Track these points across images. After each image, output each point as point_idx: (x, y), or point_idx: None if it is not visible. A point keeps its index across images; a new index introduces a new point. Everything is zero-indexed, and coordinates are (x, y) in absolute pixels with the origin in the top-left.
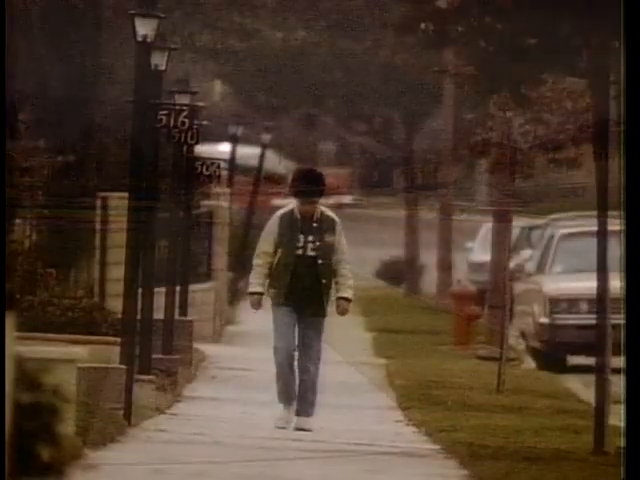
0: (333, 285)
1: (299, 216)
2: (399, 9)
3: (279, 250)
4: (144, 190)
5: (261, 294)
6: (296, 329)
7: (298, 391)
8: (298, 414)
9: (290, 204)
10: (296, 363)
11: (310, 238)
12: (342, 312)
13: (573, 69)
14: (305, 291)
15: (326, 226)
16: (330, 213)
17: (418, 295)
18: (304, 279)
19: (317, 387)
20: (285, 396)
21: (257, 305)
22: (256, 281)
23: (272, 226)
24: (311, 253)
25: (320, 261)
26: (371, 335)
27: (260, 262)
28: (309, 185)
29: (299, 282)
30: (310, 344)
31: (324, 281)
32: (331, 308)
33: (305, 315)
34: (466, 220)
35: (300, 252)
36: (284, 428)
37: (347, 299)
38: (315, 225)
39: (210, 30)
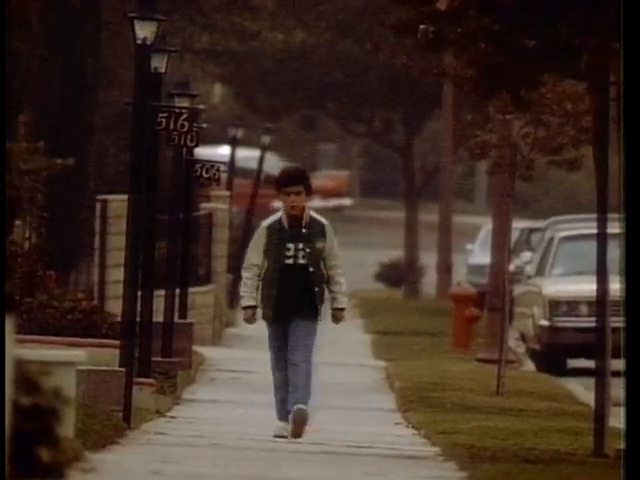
0: (327, 293)
1: (286, 224)
2: (398, 11)
3: (267, 261)
4: (143, 193)
5: (255, 307)
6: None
7: (291, 388)
8: (294, 403)
9: (277, 213)
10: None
11: (300, 246)
12: (338, 321)
13: (573, 71)
14: (297, 301)
15: (316, 231)
16: (318, 217)
17: (418, 297)
18: (296, 289)
19: (310, 383)
20: (284, 413)
21: (252, 319)
22: (248, 295)
23: (260, 237)
24: (302, 261)
25: (312, 269)
26: (370, 337)
27: (250, 275)
28: (291, 176)
29: (291, 292)
30: (300, 344)
31: (317, 289)
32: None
33: (295, 320)
34: (466, 222)
35: (291, 262)
36: (284, 437)
37: (342, 309)
38: (304, 231)
39: (210, 32)
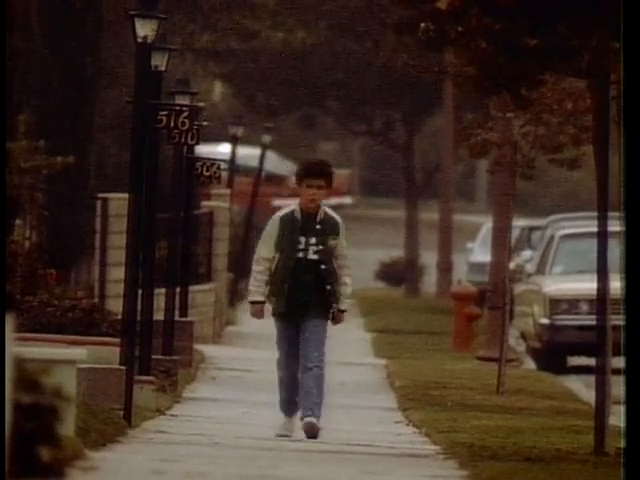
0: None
1: (300, 217)
2: (399, 10)
3: (279, 254)
4: (144, 191)
5: (263, 302)
6: (298, 338)
7: (303, 393)
8: (304, 416)
9: (291, 205)
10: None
11: (312, 241)
12: (337, 323)
13: (573, 69)
14: (307, 297)
15: (329, 228)
16: (333, 214)
17: (418, 296)
18: (306, 284)
19: (323, 388)
20: (288, 406)
21: (259, 314)
22: (256, 289)
23: (272, 229)
24: (313, 257)
25: (323, 266)
26: (371, 336)
27: (260, 268)
28: (315, 169)
29: (300, 287)
30: (312, 349)
31: (328, 287)
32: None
33: (306, 320)
34: (466, 221)
35: (301, 255)
36: (286, 436)
37: (344, 311)
38: (318, 227)
39: (210, 31)
